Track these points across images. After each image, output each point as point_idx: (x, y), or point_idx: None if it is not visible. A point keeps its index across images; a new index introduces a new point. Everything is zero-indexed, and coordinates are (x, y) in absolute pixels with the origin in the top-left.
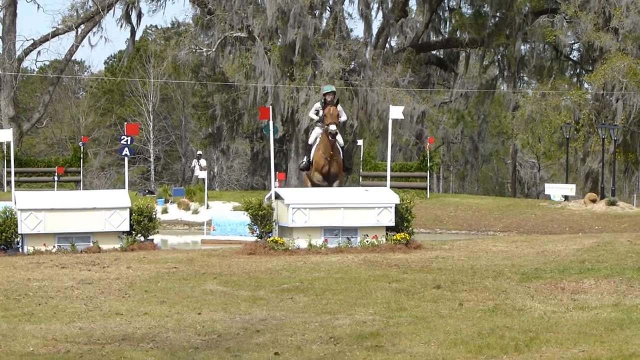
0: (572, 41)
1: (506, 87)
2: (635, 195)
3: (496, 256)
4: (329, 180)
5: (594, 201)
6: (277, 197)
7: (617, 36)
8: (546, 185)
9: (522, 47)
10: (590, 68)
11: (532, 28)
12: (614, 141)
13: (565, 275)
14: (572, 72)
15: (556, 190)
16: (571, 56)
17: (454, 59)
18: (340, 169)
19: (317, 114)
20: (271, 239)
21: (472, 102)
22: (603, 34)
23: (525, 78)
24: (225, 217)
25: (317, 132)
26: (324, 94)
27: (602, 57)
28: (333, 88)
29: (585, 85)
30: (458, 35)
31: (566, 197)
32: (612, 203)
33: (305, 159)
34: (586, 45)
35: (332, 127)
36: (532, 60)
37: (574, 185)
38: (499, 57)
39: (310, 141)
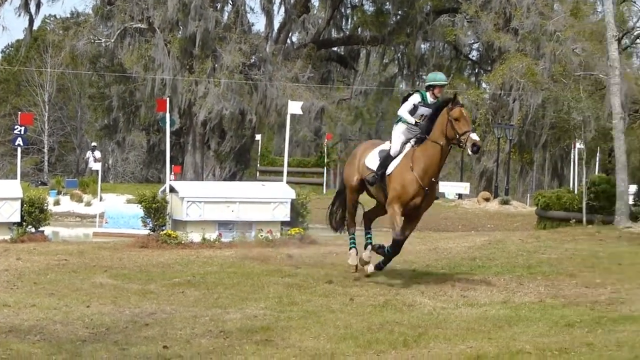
0: (472, 41)
1: (405, 85)
2: (528, 194)
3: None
4: (410, 216)
5: (487, 200)
6: (172, 190)
7: (517, 37)
8: (440, 183)
9: (422, 46)
10: (489, 68)
11: (432, 27)
12: (510, 141)
13: (456, 272)
14: (470, 72)
15: (450, 188)
16: (470, 56)
17: (355, 56)
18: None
19: (415, 112)
20: (164, 232)
21: (371, 100)
22: (503, 35)
23: (425, 77)
24: (119, 210)
25: (404, 133)
26: (431, 86)
27: (501, 57)
28: (445, 79)
29: (484, 85)
30: (359, 33)
31: (460, 195)
32: (505, 202)
33: (376, 168)
34: (486, 45)
35: (476, 137)
36: (431, 59)
37: (468, 184)
38: (399, 55)
39: (395, 147)
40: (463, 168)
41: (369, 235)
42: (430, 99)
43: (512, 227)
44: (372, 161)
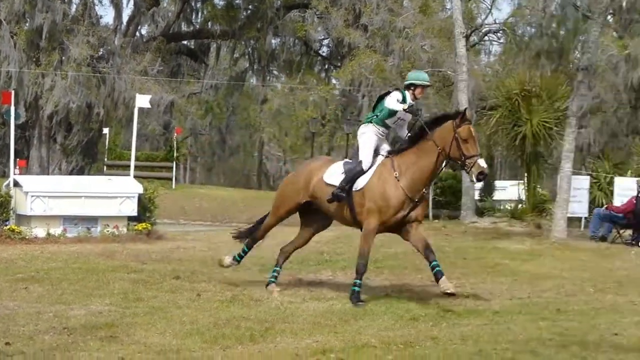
0: (322, 37)
1: (256, 80)
2: None
3: (236, 247)
4: (398, 227)
5: None
6: (16, 184)
7: (367, 33)
8: None
9: (273, 41)
10: (339, 64)
11: (283, 22)
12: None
13: (303, 266)
14: (321, 68)
15: None
16: (321, 52)
17: (205, 50)
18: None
19: (395, 114)
20: (8, 227)
21: (222, 94)
22: (353, 31)
23: (275, 72)
24: None
25: (375, 138)
26: (412, 85)
27: (351, 53)
28: (428, 79)
29: (333, 81)
30: (210, 27)
31: None
32: None
33: (340, 183)
34: (336, 41)
35: (484, 164)
36: (282, 55)
37: None
38: (249, 50)
39: (366, 159)
40: None
41: (277, 270)
42: (409, 99)
43: None
44: (333, 176)
